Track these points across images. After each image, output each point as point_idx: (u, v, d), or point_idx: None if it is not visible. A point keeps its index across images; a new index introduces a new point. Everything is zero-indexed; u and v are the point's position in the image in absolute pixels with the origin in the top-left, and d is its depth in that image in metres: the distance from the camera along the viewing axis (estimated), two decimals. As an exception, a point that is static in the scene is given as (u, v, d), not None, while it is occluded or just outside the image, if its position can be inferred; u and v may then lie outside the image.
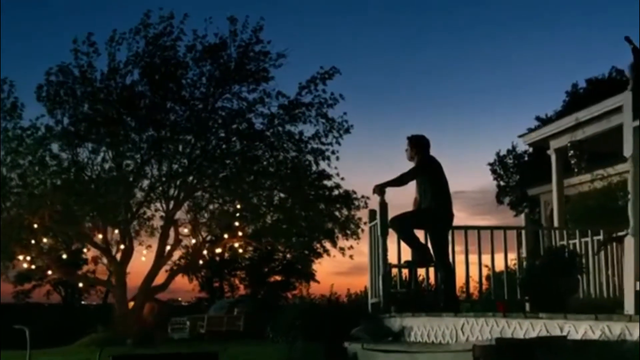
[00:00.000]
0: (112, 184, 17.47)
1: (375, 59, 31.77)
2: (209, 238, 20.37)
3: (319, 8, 30.05)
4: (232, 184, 18.24)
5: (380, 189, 6.94)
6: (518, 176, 26.49)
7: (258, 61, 18.11)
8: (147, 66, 17.73)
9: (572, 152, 9.46)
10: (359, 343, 6.24)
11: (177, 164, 18.35)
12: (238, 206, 18.57)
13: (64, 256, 19.38)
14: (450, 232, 7.02)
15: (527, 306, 7.07)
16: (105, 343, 15.12)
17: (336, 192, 19.26)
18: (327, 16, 30.34)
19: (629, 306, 4.42)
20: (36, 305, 31.63)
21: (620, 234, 6.34)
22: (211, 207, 19.49)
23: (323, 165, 18.59)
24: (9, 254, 17.63)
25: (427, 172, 6.85)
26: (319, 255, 25.52)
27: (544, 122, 21.99)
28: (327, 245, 21.66)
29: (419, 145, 6.97)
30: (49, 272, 19.94)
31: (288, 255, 30.15)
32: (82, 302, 34.79)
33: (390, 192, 6.98)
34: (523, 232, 7.70)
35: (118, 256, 18.46)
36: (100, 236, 18.30)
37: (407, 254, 7.07)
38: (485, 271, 7.72)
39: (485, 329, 4.99)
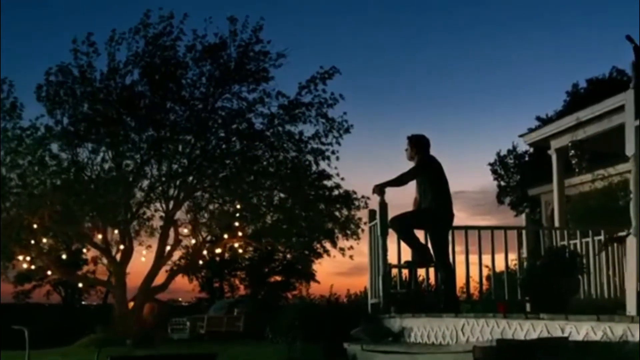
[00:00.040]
0: (111, 184, 17.44)
1: (375, 59, 31.78)
2: (208, 238, 20.34)
3: (319, 8, 30.05)
4: (232, 184, 18.21)
5: (380, 189, 6.91)
6: (518, 176, 26.48)
7: (258, 61, 18.08)
8: (147, 66, 17.69)
9: (573, 151, 9.45)
10: (358, 344, 6.20)
11: (177, 164, 18.31)
12: (238, 206, 18.53)
13: (64, 256, 19.36)
14: (450, 232, 6.98)
15: (528, 306, 7.04)
16: (105, 343, 15.08)
17: (336, 192, 19.24)
18: (327, 16, 30.34)
19: (631, 307, 4.38)
20: (36, 305, 31.63)
21: (621, 234, 6.30)
22: (211, 207, 19.46)
23: (323, 165, 18.59)
24: (8, 254, 17.60)
25: (427, 172, 6.82)
26: (319, 256, 25.51)
27: (544, 122, 21.98)
28: (327, 245, 21.64)
29: (419, 145, 6.94)
30: (49, 273, 19.91)
31: (288, 256, 30.13)
32: (83, 303, 34.79)
33: (390, 192, 6.96)
34: (524, 232, 7.67)
35: (118, 256, 18.44)
36: (100, 236, 18.27)
37: (407, 254, 7.04)
38: (485, 271, 7.69)
39: (485, 330, 4.96)
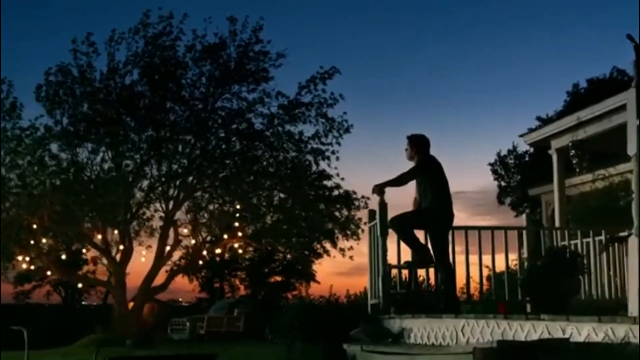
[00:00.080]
0: (111, 184, 17.41)
1: (375, 59, 31.74)
2: (208, 238, 20.31)
3: (319, 8, 30.01)
4: (232, 184, 18.19)
5: (379, 189, 6.87)
6: (519, 176, 26.45)
7: (258, 61, 18.05)
8: (147, 66, 17.67)
9: (573, 151, 9.43)
10: (358, 344, 6.17)
11: (177, 164, 18.29)
12: (238, 206, 18.51)
13: (63, 257, 19.33)
14: (450, 232, 6.95)
15: (528, 307, 7.01)
16: (105, 344, 15.05)
17: (336, 192, 19.21)
18: (327, 16, 30.30)
19: (633, 308, 4.35)
20: (36, 305, 31.59)
21: (622, 234, 6.27)
22: (211, 207, 19.44)
23: (323, 165, 18.56)
24: (8, 254, 17.58)
25: (427, 171, 6.78)
26: (319, 256, 25.49)
27: (544, 122, 21.95)
28: (327, 245, 21.60)
29: (419, 145, 6.90)
30: (48, 273, 19.88)
31: (288, 256, 30.10)
32: (83, 303, 34.76)
33: (389, 192, 6.93)
34: (524, 232, 7.64)
35: (118, 257, 18.41)
36: (99, 237, 18.25)
37: (407, 254, 7.01)
38: (485, 272, 7.65)
39: (486, 331, 4.92)
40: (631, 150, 4.63)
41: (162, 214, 18.47)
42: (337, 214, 19.45)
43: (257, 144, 18.33)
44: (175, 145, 18.07)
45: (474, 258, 7.31)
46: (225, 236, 18.70)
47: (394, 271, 7.14)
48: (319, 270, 30.99)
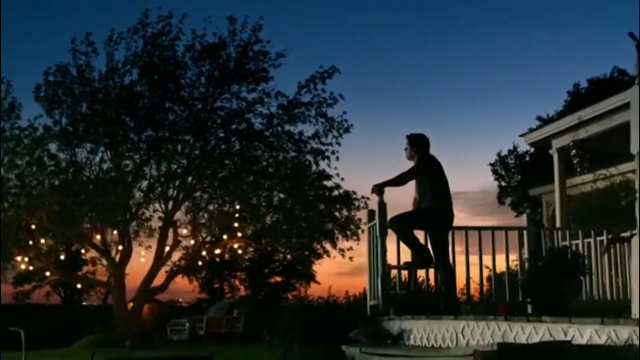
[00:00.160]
0: (110, 184, 17.38)
1: (375, 59, 31.68)
2: (208, 239, 20.26)
3: (319, 8, 29.95)
4: (232, 184, 18.14)
5: (379, 189, 6.81)
6: (519, 176, 26.39)
7: (257, 61, 18.02)
8: (146, 66, 17.64)
9: (574, 151, 9.38)
10: (357, 346, 6.11)
11: (176, 164, 18.26)
12: (237, 207, 18.46)
13: (62, 257, 19.28)
14: (450, 232, 6.88)
15: (529, 308, 6.95)
16: (104, 344, 15.03)
17: (336, 192, 19.16)
18: (327, 16, 30.25)
19: (636, 310, 4.28)
20: (36, 306, 31.53)
21: (624, 234, 6.20)
22: (210, 207, 19.40)
23: (323, 165, 18.52)
24: (7, 254, 17.54)
25: (427, 171, 6.72)
26: (319, 256, 25.41)
27: (545, 122, 21.88)
28: (327, 246, 21.54)
29: (418, 144, 6.83)
30: (47, 274, 19.83)
31: (288, 256, 30.04)
32: (83, 303, 34.70)
33: (389, 192, 6.86)
34: (525, 232, 7.57)
35: (117, 257, 18.36)
36: (98, 237, 18.21)
37: (406, 254, 6.95)
38: (486, 272, 7.58)
39: (486, 333, 4.86)
40: (634, 148, 4.56)
41: (162, 215, 18.43)
42: (337, 214, 19.41)
43: (256, 144, 18.29)
44: (174, 146, 18.03)
45: (474, 258, 7.25)
46: (225, 237, 18.66)
47: (394, 272, 7.07)
48: (319, 271, 30.96)
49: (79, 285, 26.76)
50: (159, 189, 18.26)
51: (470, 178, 41.70)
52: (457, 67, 32.76)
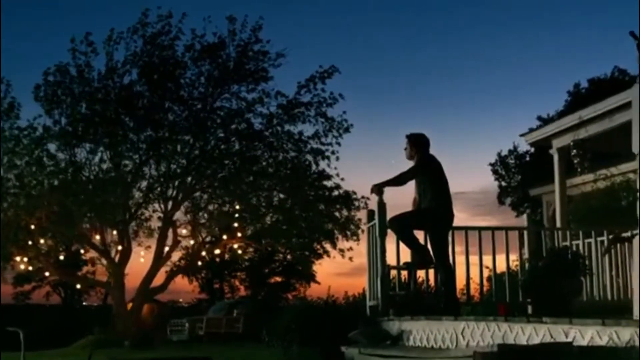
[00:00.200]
0: (110, 184, 17.35)
1: (375, 59, 31.66)
2: (208, 239, 20.22)
3: (319, 8, 29.93)
4: (231, 184, 18.11)
5: (378, 189, 6.76)
6: (519, 176, 26.35)
7: (257, 61, 18.00)
8: (145, 66, 17.61)
9: (575, 151, 9.35)
10: (356, 347, 6.08)
11: (176, 164, 18.23)
12: (237, 207, 18.43)
13: (62, 257, 19.25)
14: (450, 232, 6.85)
15: (529, 308, 6.91)
16: (104, 344, 15.01)
17: (336, 192, 19.12)
18: (327, 16, 30.22)
19: (638, 311, 4.24)
20: (36, 306, 31.52)
21: (626, 234, 6.17)
22: (210, 207, 19.36)
23: (323, 165, 18.49)
24: (6, 255, 17.51)
25: (426, 171, 6.68)
26: (319, 257, 25.38)
27: (545, 122, 21.84)
28: (327, 246, 21.51)
29: (418, 144, 6.79)
30: (47, 274, 19.80)
31: (288, 257, 30.00)
32: (83, 304, 34.68)
33: (388, 192, 6.82)
34: (525, 232, 7.54)
35: (117, 257, 18.33)
36: (97, 237, 18.17)
37: (406, 255, 6.91)
38: (486, 272, 7.55)
39: (486, 334, 4.83)
40: (635, 147, 4.52)
41: (161, 215, 18.39)
42: (337, 214, 19.37)
43: (256, 144, 18.26)
44: (174, 146, 18.00)
45: (474, 259, 7.21)
46: (225, 237, 18.62)
47: (393, 272, 7.04)
48: (319, 271, 30.92)
49: (78, 286, 26.73)
50: (159, 189, 18.23)
51: (470, 178, 41.67)
52: (457, 67, 32.76)
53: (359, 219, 18.89)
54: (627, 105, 7.77)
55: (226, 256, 22.08)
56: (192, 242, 19.38)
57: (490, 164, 27.20)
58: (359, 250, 19.29)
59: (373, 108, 31.35)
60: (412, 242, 6.72)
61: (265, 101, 17.98)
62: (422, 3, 30.36)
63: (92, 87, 17.50)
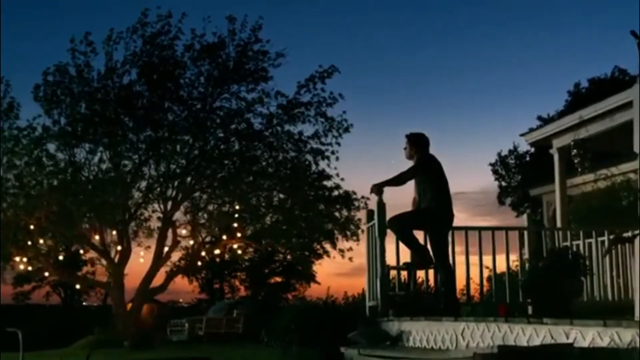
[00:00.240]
0: (109, 184, 17.33)
1: (375, 59, 31.63)
2: (207, 239, 20.20)
3: (319, 8, 29.90)
4: (231, 184, 18.09)
5: (377, 189, 6.73)
6: (520, 176, 26.31)
7: (257, 61, 17.98)
8: (145, 65, 17.59)
9: (575, 151, 9.32)
10: (355, 348, 6.04)
11: (175, 164, 18.21)
12: (237, 207, 18.40)
13: (61, 258, 19.22)
14: (450, 232, 6.81)
15: (530, 309, 6.88)
16: (103, 345, 15.00)
17: (336, 192, 19.10)
18: (327, 16, 30.19)
19: (639, 312, 4.21)
20: (36, 306, 31.50)
21: (627, 234, 6.14)
22: (210, 208, 19.33)
23: (323, 165, 18.46)
24: (6, 255, 17.48)
25: (426, 171, 6.64)
26: (320, 257, 25.36)
27: (546, 121, 21.80)
28: (327, 246, 21.48)
29: (418, 144, 6.76)
30: (47, 274, 19.77)
31: (289, 257, 29.97)
32: (83, 304, 34.66)
33: (388, 191, 6.78)
34: (525, 232, 7.50)
35: (116, 258, 18.30)
36: (97, 237, 18.14)
37: (405, 255, 6.87)
38: (486, 272, 7.51)
39: (486, 335, 4.79)
40: (636, 147, 4.49)
41: (161, 215, 18.37)
42: (336, 214, 19.34)
43: (256, 144, 18.24)
44: (173, 146, 17.98)
45: (474, 259, 7.18)
46: (225, 237, 18.59)
47: (393, 272, 7.00)
48: (319, 271, 30.89)
49: (78, 286, 26.71)
50: (158, 189, 18.21)
51: (470, 178, 41.64)
52: (457, 67, 32.73)
53: (359, 219, 18.87)
54: (627, 105, 7.74)
55: (226, 256, 22.05)
56: (191, 242, 19.35)
57: (490, 164, 27.18)
58: (358, 250, 19.28)
59: (373, 108, 31.35)
60: (411, 242, 6.68)
61: (265, 101, 17.98)
62: (422, 3, 30.35)
63: (92, 87, 17.48)
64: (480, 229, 7.20)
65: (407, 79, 33.78)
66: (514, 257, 7.76)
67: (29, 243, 17.37)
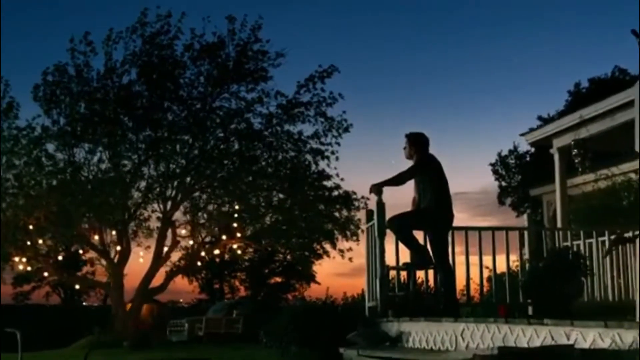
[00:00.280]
0: (108, 184, 17.29)
1: (375, 59, 31.62)
2: (207, 239, 20.17)
3: (319, 8, 29.89)
4: (231, 184, 18.06)
5: (377, 189, 6.69)
6: (520, 176, 26.29)
7: (256, 60, 17.94)
8: (144, 65, 17.56)
9: (575, 150, 9.30)
10: (354, 349, 6.01)
11: (175, 164, 18.17)
12: (237, 207, 18.37)
13: (61, 258, 19.20)
14: (450, 232, 6.78)
15: (530, 309, 6.85)
16: (102, 345, 14.97)
17: (336, 192, 19.06)
18: (327, 16, 30.17)
19: (640, 313, 4.18)
20: (36, 306, 31.49)
21: (628, 234, 6.10)
22: (209, 208, 19.30)
23: (322, 165, 18.43)
24: (5, 255, 17.46)
25: (426, 170, 6.61)
26: (319, 257, 25.33)
27: (546, 121, 21.76)
28: (327, 246, 21.45)
29: (417, 143, 6.73)
30: (46, 274, 19.74)
31: (288, 257, 29.95)
32: (83, 304, 34.65)
33: (388, 191, 6.75)
34: (525, 232, 7.47)
35: (116, 258, 18.27)
36: (97, 237, 18.12)
37: (405, 255, 6.84)
38: (486, 273, 7.49)
39: (486, 336, 4.76)
40: (637, 146, 4.46)
41: (160, 215, 18.34)
42: (336, 214, 19.30)
43: (255, 144, 18.21)
44: (173, 145, 17.95)
45: (474, 259, 7.15)
46: (224, 237, 18.56)
47: (392, 273, 6.98)
48: (319, 271, 30.86)
49: (77, 286, 26.69)
50: (158, 189, 18.17)
51: (470, 178, 41.62)
52: (457, 67, 32.74)
53: (359, 219, 18.82)
54: (628, 105, 7.72)
55: (226, 256, 22.03)
56: (191, 242, 19.32)
57: (491, 164, 27.16)
58: (358, 250, 19.24)
59: (373, 108, 31.36)
60: (411, 243, 6.65)
61: (264, 101, 17.95)
62: (422, 3, 30.33)
63: (91, 87, 17.46)
64: (480, 229, 7.17)
65: (407, 79, 33.81)
66: (514, 257, 7.74)
67: (28, 243, 17.35)
